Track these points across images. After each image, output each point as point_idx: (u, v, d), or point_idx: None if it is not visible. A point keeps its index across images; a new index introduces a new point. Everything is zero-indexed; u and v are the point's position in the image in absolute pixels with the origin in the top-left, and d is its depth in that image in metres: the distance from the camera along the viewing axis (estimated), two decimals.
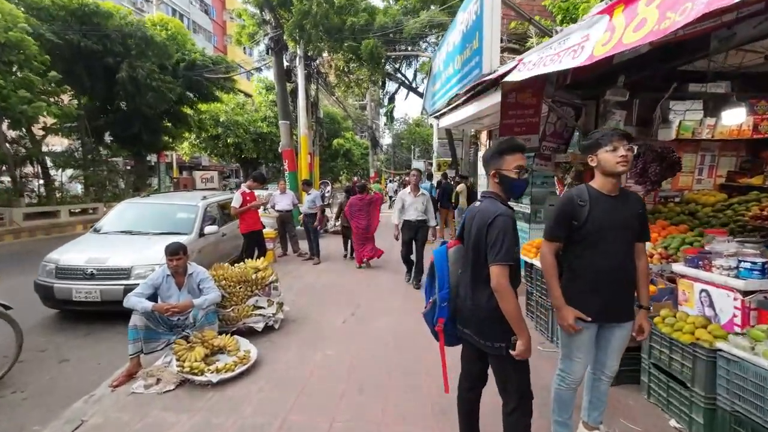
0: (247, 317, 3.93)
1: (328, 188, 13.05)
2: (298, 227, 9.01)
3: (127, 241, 5.28)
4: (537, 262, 3.92)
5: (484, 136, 7.77)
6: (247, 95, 27.33)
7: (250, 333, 3.94)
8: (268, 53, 11.47)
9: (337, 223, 11.93)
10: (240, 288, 4.01)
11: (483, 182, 7.37)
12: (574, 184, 4.32)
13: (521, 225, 6.73)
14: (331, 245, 9.64)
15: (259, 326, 3.97)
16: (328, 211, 12.41)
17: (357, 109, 34.66)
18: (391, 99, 12.58)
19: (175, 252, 3.44)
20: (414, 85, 13.29)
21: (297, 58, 11.36)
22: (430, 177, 11.32)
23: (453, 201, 9.96)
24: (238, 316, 3.89)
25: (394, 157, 46.30)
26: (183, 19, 28.11)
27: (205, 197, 6.59)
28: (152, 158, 21.01)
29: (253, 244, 6.35)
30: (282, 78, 11.14)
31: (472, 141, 13.81)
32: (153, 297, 3.47)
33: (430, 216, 5.83)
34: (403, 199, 5.83)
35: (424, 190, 5.95)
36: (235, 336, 3.61)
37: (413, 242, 5.86)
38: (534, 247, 4.25)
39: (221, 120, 21.96)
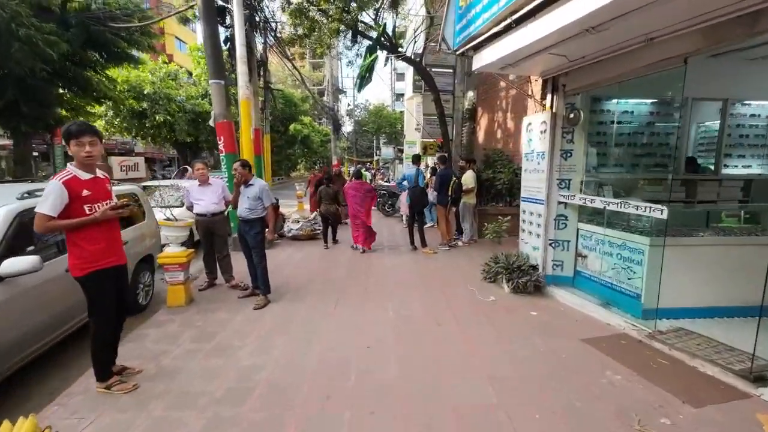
0: None
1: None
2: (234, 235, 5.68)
3: None
4: None
5: (537, 88, 4.85)
6: (177, 64, 22.65)
7: None
8: None
9: (311, 216, 8.82)
10: None
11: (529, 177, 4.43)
12: None
13: (635, 240, 3.89)
14: (292, 260, 6.48)
15: None
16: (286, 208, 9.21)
17: (315, 93, 30.82)
18: (372, 49, 9.27)
19: None
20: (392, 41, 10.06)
21: None
22: (416, 160, 8.29)
23: (451, 194, 7.19)
24: None
25: (356, 145, 43.02)
26: None
27: (26, 195, 3.21)
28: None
29: (107, 305, 2.68)
30: (211, 16, 7.58)
31: (466, 117, 10.98)
32: None
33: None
34: None
35: None
36: None
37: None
38: None
39: (146, 92, 17.54)
